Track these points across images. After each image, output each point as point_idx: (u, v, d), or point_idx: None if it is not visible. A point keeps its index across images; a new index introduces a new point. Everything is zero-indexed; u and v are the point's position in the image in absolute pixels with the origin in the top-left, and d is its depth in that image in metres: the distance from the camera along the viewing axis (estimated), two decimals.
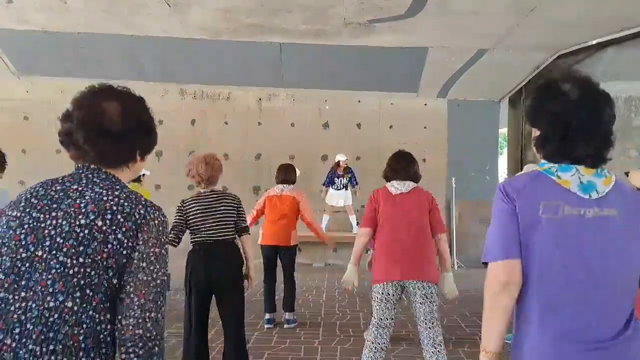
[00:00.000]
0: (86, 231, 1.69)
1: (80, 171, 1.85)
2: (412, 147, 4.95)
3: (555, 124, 2.04)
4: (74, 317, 1.64)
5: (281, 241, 7.17)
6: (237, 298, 4.94)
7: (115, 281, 1.70)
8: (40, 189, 1.80)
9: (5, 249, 1.70)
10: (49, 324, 1.62)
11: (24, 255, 1.68)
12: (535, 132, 2.14)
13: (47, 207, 1.74)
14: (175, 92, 12.70)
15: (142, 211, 1.78)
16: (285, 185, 7.29)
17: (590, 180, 1.99)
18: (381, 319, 4.59)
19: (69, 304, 1.64)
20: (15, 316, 1.63)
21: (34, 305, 1.63)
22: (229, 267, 4.89)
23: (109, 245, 1.69)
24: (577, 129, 1.99)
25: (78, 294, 1.65)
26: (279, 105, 12.89)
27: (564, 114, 2.01)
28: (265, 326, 7.06)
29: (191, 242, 5.00)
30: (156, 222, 1.80)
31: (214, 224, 4.91)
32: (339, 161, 11.86)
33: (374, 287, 4.71)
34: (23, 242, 1.70)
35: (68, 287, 1.65)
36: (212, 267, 4.83)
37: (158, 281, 1.75)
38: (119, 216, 1.73)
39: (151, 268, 1.74)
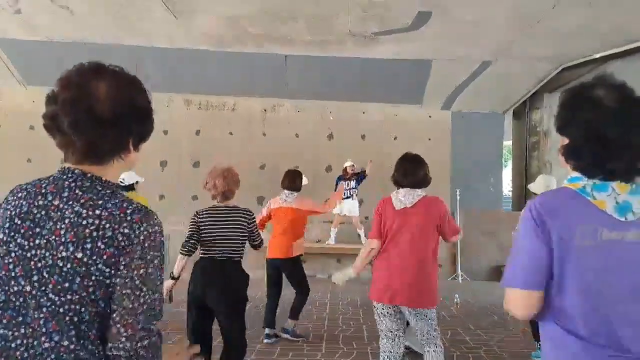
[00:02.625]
0: (68, 265, 1.53)
1: (64, 177, 1.63)
2: None
3: (587, 133, 1.89)
4: (72, 355, 1.53)
5: (282, 254, 7.00)
6: (234, 319, 4.81)
7: (109, 310, 1.56)
8: (24, 203, 1.61)
9: None
10: None
11: (15, 289, 1.55)
12: (564, 141, 2.00)
13: (30, 232, 1.57)
14: (180, 102, 12.73)
15: (126, 230, 1.57)
16: (289, 193, 7.04)
17: (626, 199, 1.87)
18: (384, 330, 4.59)
19: (65, 343, 1.53)
20: (17, 353, 1.53)
21: (35, 342, 1.53)
22: (228, 288, 4.75)
23: (93, 278, 1.53)
24: (612, 139, 1.85)
25: (73, 332, 1.53)
26: (284, 115, 12.91)
27: (598, 123, 1.86)
28: (264, 341, 6.90)
29: (200, 254, 4.89)
30: (141, 238, 1.59)
31: (222, 240, 4.81)
32: (346, 167, 11.82)
33: (371, 301, 4.67)
34: (12, 274, 1.56)
35: (62, 326, 1.53)
36: (212, 286, 4.70)
37: (145, 306, 1.57)
38: (99, 243, 1.54)
39: (137, 293, 1.56)
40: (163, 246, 1.67)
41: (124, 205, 1.62)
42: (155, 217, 1.67)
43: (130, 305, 1.55)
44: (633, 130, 1.87)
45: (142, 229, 1.60)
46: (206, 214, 4.92)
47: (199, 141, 12.70)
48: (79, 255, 1.52)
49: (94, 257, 1.53)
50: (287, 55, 10.37)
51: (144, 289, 1.58)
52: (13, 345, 1.54)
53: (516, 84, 11.49)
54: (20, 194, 1.63)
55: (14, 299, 1.55)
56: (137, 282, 1.56)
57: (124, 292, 1.54)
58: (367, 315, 8.32)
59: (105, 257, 1.54)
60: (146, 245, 1.60)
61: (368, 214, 11.99)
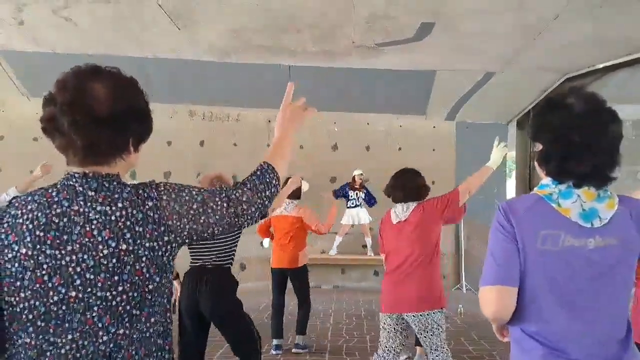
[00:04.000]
0: (114, 260, 1.59)
1: (71, 183, 1.65)
2: (421, 169, 4.88)
3: (557, 138, 1.96)
4: (127, 340, 1.62)
5: (289, 264, 6.98)
6: (232, 326, 4.80)
7: (164, 282, 1.71)
8: (40, 215, 1.60)
9: (30, 292, 1.57)
10: (107, 354, 1.60)
11: (56, 298, 1.57)
12: (538, 147, 2.07)
13: (58, 241, 1.57)
14: (184, 113, 12.76)
15: (150, 204, 1.67)
16: (289, 202, 6.93)
17: (593, 206, 1.90)
18: (381, 346, 4.60)
19: (121, 331, 1.61)
20: (70, 356, 1.58)
21: (86, 342, 1.59)
22: (217, 296, 4.72)
23: (144, 259, 1.63)
24: (580, 144, 1.90)
25: (126, 319, 1.62)
26: None
27: (566, 128, 1.93)
28: (272, 352, 6.86)
29: (190, 263, 4.87)
30: (165, 196, 1.71)
31: (211, 248, 4.78)
32: (354, 176, 11.83)
33: (380, 315, 4.70)
34: (49, 285, 1.57)
35: (116, 317, 1.60)
36: (201, 296, 4.69)
37: (194, 193, 1.77)
38: (137, 228, 1.63)
39: (183, 195, 1.74)
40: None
41: (135, 190, 1.70)
42: (155, 181, 1.79)
43: (195, 207, 1.74)
44: (598, 135, 1.92)
45: (159, 191, 1.72)
46: None
47: (203, 152, 12.72)
48: (124, 247, 1.60)
49: (139, 241, 1.62)
50: (291, 66, 10.39)
51: (186, 189, 1.78)
52: (63, 351, 1.57)
53: (520, 94, 11.48)
54: (30, 206, 1.62)
55: (55, 309, 1.57)
56: (195, 204, 1.74)
57: (199, 210, 1.74)
58: (371, 326, 8.31)
59: (148, 235, 1.64)
60: (172, 196, 1.72)
61: (373, 225, 12.04)
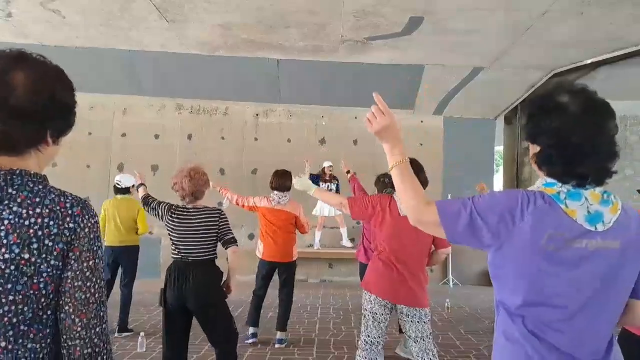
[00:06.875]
0: (12, 267, 1.47)
1: None
2: None
3: (557, 139, 1.91)
4: (9, 355, 1.49)
5: (282, 257, 7.00)
6: (217, 320, 4.77)
7: (55, 300, 1.56)
8: None
9: None
10: None
11: None
12: (535, 149, 2.01)
13: None
14: (172, 107, 12.73)
15: (71, 225, 1.55)
16: (281, 195, 6.99)
17: (598, 209, 1.88)
18: (368, 337, 4.58)
19: (3, 344, 1.48)
20: None
21: None
22: (203, 290, 4.69)
23: (44, 275, 1.50)
24: (580, 143, 1.87)
25: (11, 332, 1.48)
26: (276, 120, 12.93)
27: (565, 131, 1.89)
28: (248, 341, 6.86)
29: (171, 255, 4.85)
30: (86, 230, 1.58)
31: (191, 242, 4.76)
32: (324, 168, 11.83)
33: (364, 294, 4.65)
34: None
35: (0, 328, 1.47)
36: (185, 289, 4.65)
37: (97, 295, 1.59)
38: (46, 241, 1.51)
39: (88, 284, 1.56)
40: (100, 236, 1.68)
41: (62, 200, 1.59)
42: (91, 207, 1.65)
43: (83, 296, 1.56)
44: (598, 134, 1.89)
45: (85, 221, 1.59)
46: (178, 213, 4.90)
47: (190, 146, 12.70)
48: (26, 256, 1.48)
49: (44, 255, 1.51)
50: (280, 60, 10.38)
51: (94, 279, 1.58)
52: None
53: (508, 90, 11.53)
54: None
55: None
56: (87, 273, 1.57)
57: (75, 284, 1.55)
58: (358, 320, 8.32)
59: (55, 253, 1.52)
60: (91, 236, 1.60)
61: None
